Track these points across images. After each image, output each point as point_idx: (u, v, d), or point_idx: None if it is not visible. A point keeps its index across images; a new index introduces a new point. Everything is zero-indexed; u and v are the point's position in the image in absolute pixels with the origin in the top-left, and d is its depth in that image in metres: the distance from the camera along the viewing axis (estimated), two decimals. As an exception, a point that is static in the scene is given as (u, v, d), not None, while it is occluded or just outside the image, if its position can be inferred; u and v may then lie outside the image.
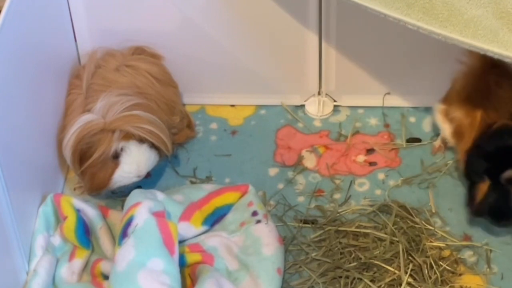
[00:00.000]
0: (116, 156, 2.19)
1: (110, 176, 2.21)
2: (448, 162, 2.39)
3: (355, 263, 2.13)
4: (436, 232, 2.22)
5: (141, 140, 2.20)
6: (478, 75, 2.25)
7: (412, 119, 2.52)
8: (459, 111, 2.26)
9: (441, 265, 2.13)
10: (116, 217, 2.18)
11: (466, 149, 2.22)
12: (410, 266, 2.12)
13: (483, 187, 2.15)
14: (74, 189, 2.35)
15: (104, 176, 2.21)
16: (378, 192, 2.34)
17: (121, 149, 2.18)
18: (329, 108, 2.56)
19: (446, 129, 2.31)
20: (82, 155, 2.19)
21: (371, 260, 2.13)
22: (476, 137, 2.21)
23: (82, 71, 2.32)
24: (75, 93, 2.30)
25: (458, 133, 2.28)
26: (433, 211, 2.27)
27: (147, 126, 2.18)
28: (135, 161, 2.20)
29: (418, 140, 2.46)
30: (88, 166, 2.19)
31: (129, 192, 2.14)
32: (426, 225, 2.22)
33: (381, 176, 2.38)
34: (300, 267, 2.16)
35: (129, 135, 2.18)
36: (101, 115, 2.18)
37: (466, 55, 2.25)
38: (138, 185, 2.34)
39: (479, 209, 2.17)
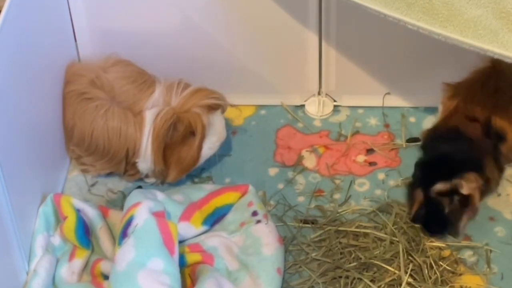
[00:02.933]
0: (193, 133, 2.25)
1: (198, 152, 2.27)
2: (448, 162, 2.39)
3: (355, 263, 2.13)
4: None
5: (213, 108, 2.27)
6: (481, 73, 2.30)
7: (412, 119, 2.52)
8: (446, 94, 2.32)
9: (441, 265, 2.13)
10: (116, 217, 2.18)
11: (425, 130, 2.34)
12: (410, 266, 2.12)
13: (419, 195, 2.18)
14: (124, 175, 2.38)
15: (193, 154, 2.27)
16: (378, 192, 2.34)
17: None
18: (329, 108, 2.56)
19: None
20: (166, 146, 2.25)
21: (371, 260, 2.13)
22: (436, 125, 2.29)
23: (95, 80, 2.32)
24: (99, 103, 2.29)
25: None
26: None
27: (211, 93, 2.27)
28: (217, 129, 2.29)
29: (418, 140, 2.45)
30: (174, 152, 2.26)
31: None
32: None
33: (381, 176, 2.38)
34: (300, 267, 2.16)
35: (204, 108, 2.24)
36: (165, 104, 2.24)
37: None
38: (138, 185, 2.35)
39: (415, 218, 2.19)
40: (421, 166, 2.22)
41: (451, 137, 2.22)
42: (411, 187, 2.24)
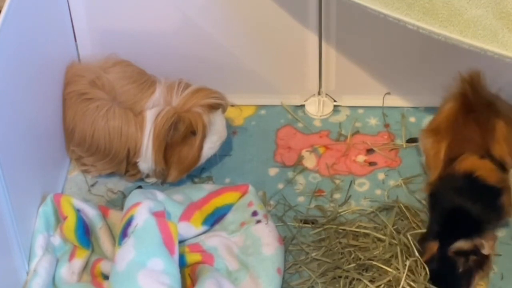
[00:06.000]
0: (194, 132, 2.25)
1: (199, 152, 2.27)
2: (448, 162, 2.39)
3: (354, 264, 2.13)
4: (436, 232, 2.22)
5: (214, 108, 2.28)
6: (454, 112, 2.24)
7: (412, 119, 2.52)
8: (427, 140, 2.27)
9: (441, 265, 2.13)
10: (116, 217, 2.18)
11: (430, 182, 2.21)
12: (410, 266, 2.11)
13: (433, 246, 2.07)
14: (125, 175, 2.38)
15: (194, 154, 2.27)
16: (378, 192, 2.34)
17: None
18: (329, 108, 2.56)
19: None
20: (166, 145, 2.25)
21: (370, 261, 2.13)
22: (440, 173, 2.19)
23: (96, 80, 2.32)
24: (100, 103, 2.28)
25: (426, 163, 2.29)
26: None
27: (212, 93, 2.27)
28: (218, 129, 2.29)
29: (418, 140, 2.45)
30: (175, 152, 2.26)
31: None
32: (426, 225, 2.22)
33: (381, 176, 2.38)
34: (300, 267, 2.16)
35: (205, 107, 2.25)
36: (166, 104, 2.25)
37: (452, 93, 2.26)
38: (138, 185, 2.35)
39: (426, 263, 2.09)
40: (439, 218, 2.10)
41: (466, 185, 2.11)
42: (425, 237, 2.12)
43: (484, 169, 2.13)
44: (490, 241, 2.09)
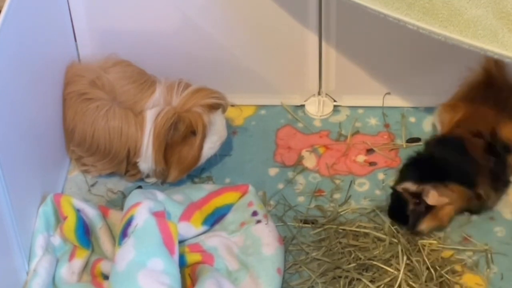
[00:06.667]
0: (194, 132, 2.25)
1: (199, 151, 2.27)
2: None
3: (354, 263, 2.13)
4: (436, 232, 2.22)
5: (214, 108, 2.28)
6: (475, 86, 2.31)
7: (412, 119, 2.52)
8: (445, 115, 2.33)
9: (441, 266, 2.13)
10: (116, 217, 2.18)
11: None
12: (410, 266, 2.11)
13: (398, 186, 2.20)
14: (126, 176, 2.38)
15: (194, 154, 2.27)
16: (378, 192, 2.34)
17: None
18: (329, 108, 2.56)
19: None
20: (166, 145, 2.25)
21: (370, 261, 2.13)
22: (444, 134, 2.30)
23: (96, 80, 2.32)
24: (100, 103, 2.28)
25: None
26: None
27: (212, 92, 2.27)
28: (218, 129, 2.29)
29: (418, 140, 2.45)
30: (175, 152, 2.26)
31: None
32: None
33: (381, 176, 2.38)
34: (300, 267, 2.16)
35: (205, 107, 2.25)
36: (166, 104, 2.24)
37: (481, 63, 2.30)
38: (138, 185, 2.35)
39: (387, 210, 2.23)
40: (411, 160, 2.23)
41: (452, 146, 2.21)
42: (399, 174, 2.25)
43: (470, 140, 2.21)
44: (443, 196, 2.14)
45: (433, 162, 2.19)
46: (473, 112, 2.27)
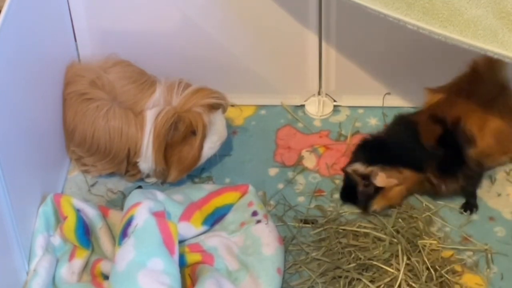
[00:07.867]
0: (194, 132, 2.25)
1: (199, 151, 2.27)
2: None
3: (354, 263, 2.13)
4: (436, 232, 2.22)
5: (214, 108, 2.28)
6: (460, 78, 2.32)
7: (412, 119, 2.52)
8: (428, 97, 2.35)
9: (441, 266, 2.13)
10: (116, 217, 2.18)
11: None
12: (410, 266, 2.12)
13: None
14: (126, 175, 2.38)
15: (194, 154, 2.27)
16: (378, 192, 2.34)
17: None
18: (329, 108, 2.56)
19: None
20: (167, 145, 2.25)
21: (370, 260, 2.13)
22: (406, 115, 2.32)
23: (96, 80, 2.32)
24: (100, 103, 2.28)
25: None
26: (433, 211, 2.27)
27: (212, 92, 2.27)
28: (218, 129, 2.29)
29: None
30: (175, 152, 2.26)
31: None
32: (426, 225, 2.22)
33: (381, 176, 2.38)
34: (300, 267, 2.16)
35: (205, 107, 2.25)
36: (166, 104, 2.25)
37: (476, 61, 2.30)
38: (138, 185, 2.35)
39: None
40: (362, 142, 2.26)
41: (405, 130, 2.24)
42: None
43: (426, 127, 2.22)
44: (391, 178, 2.18)
45: (383, 145, 2.22)
46: (446, 99, 2.28)
